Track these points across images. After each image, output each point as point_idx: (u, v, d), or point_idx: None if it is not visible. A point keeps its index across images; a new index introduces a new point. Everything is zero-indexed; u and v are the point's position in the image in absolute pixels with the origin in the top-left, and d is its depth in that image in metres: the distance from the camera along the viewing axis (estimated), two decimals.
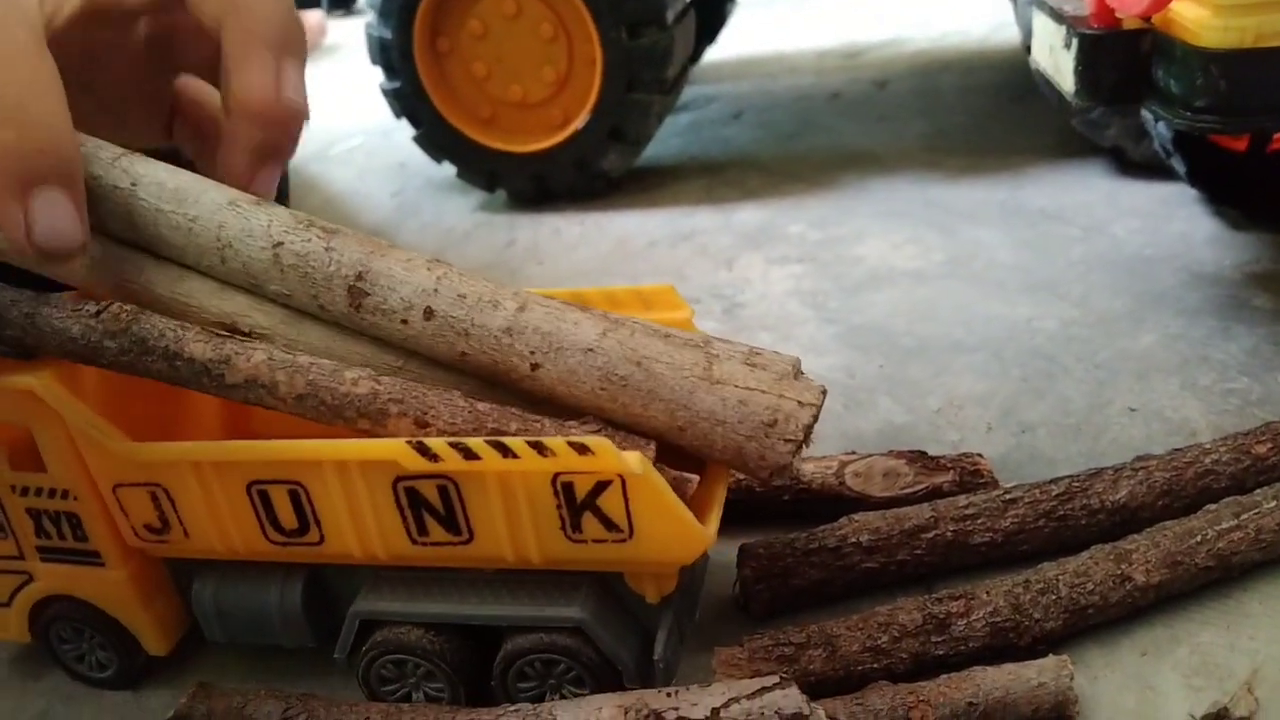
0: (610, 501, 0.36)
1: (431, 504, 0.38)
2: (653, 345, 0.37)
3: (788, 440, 0.36)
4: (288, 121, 0.39)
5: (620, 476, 0.35)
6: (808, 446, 0.37)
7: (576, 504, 0.37)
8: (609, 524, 0.37)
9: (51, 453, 0.42)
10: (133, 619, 0.45)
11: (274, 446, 0.39)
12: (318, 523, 0.40)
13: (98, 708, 0.47)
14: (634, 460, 0.35)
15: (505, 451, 0.35)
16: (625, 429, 0.37)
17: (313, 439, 0.39)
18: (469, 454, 0.36)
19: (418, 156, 1.11)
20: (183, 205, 0.39)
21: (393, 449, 0.36)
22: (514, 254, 0.96)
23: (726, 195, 1.04)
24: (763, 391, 0.36)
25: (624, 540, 0.37)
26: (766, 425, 0.36)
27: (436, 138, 1.06)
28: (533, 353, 0.36)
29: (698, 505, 0.38)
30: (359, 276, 0.38)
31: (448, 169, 1.09)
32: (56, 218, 0.35)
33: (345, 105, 1.56)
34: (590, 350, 0.36)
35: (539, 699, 0.40)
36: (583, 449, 0.35)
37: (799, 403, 0.36)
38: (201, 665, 0.48)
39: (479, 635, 0.41)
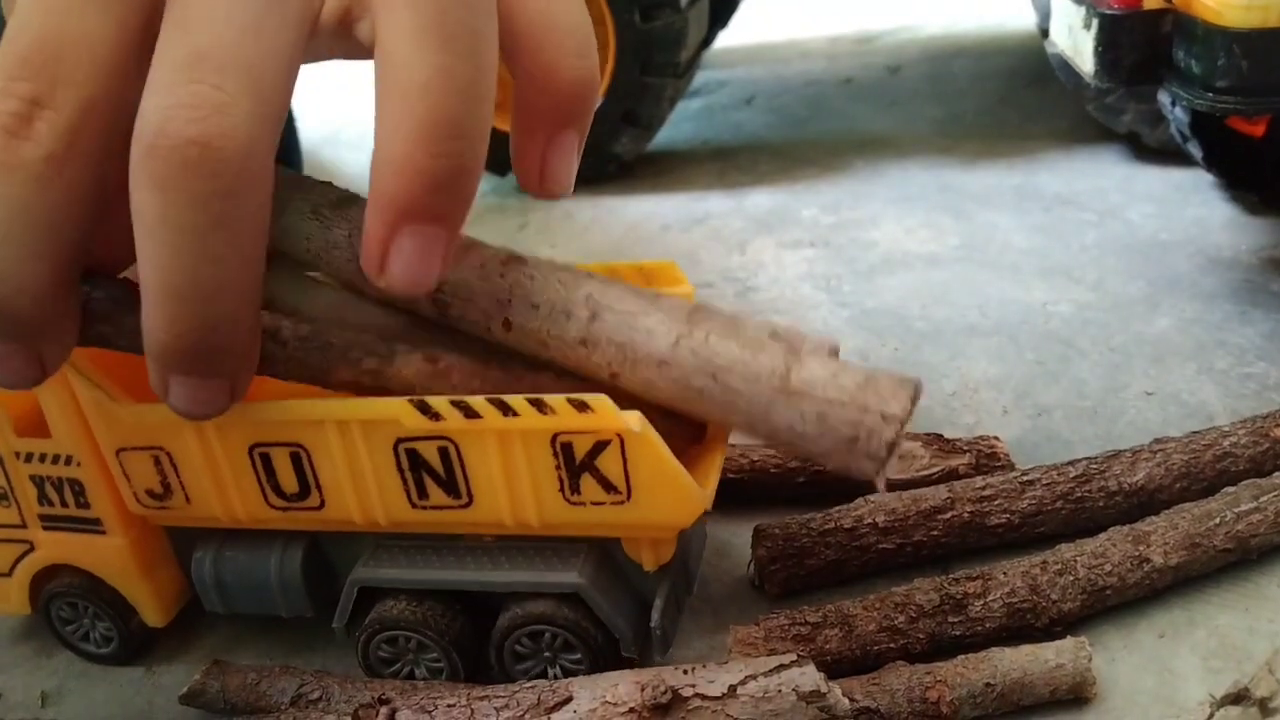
0: (609, 462, 0.36)
1: (432, 466, 0.38)
2: (729, 351, 0.35)
3: (870, 458, 0.33)
4: None
5: (619, 436, 0.35)
6: (894, 460, 0.35)
7: (575, 465, 0.36)
8: (607, 485, 0.37)
9: (56, 416, 0.42)
10: (132, 589, 0.45)
11: (276, 406, 0.39)
12: (319, 487, 0.40)
13: (111, 684, 0.47)
14: (633, 419, 0.35)
15: (506, 409, 0.35)
16: None
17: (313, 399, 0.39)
18: (470, 412, 0.36)
19: None
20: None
21: (394, 408, 0.36)
22: (526, 237, 0.95)
23: (739, 179, 1.03)
24: (843, 403, 0.33)
25: (622, 502, 0.37)
26: (848, 441, 0.33)
27: None
28: (609, 363, 0.36)
29: (696, 469, 0.38)
30: (439, 289, 0.37)
31: None
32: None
33: (357, 88, 1.55)
34: (664, 363, 0.35)
35: (537, 676, 0.40)
36: (582, 406, 0.35)
37: (882, 415, 0.33)
38: (213, 643, 0.48)
39: (476, 608, 0.41)
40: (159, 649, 0.48)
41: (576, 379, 0.37)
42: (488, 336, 0.37)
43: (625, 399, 0.36)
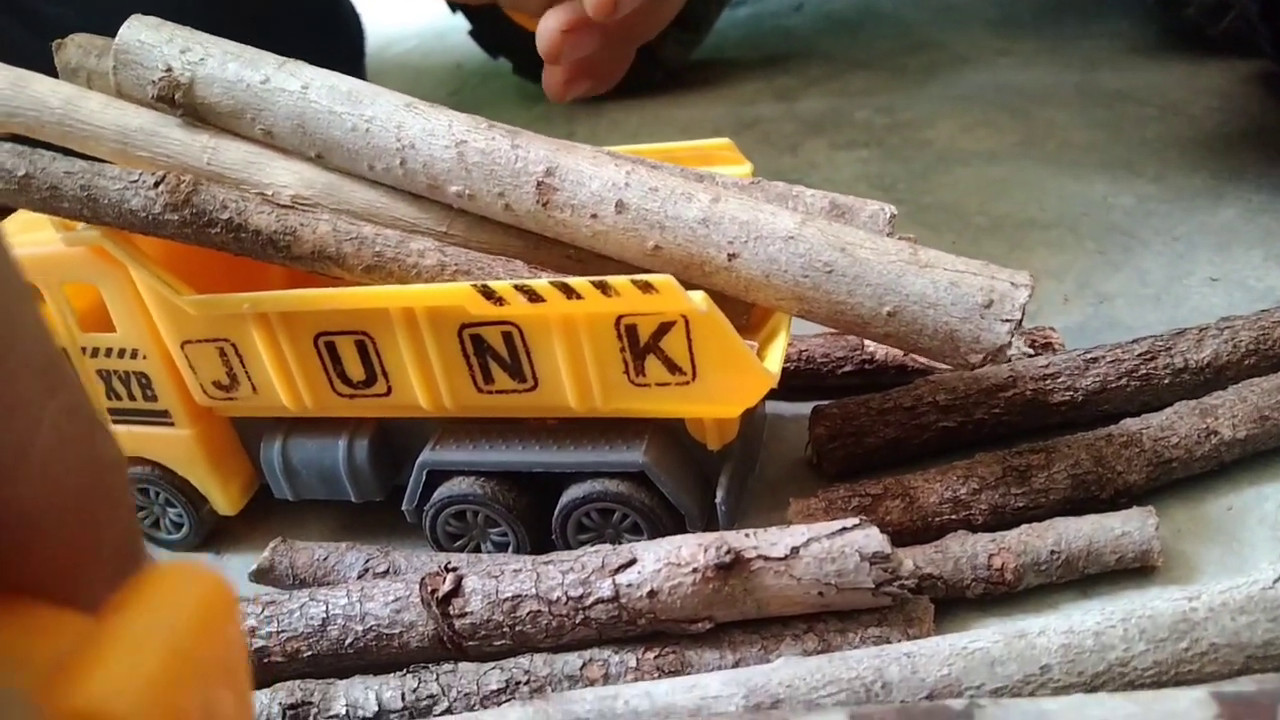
0: (673, 343, 0.36)
1: (496, 351, 0.38)
2: (853, 232, 0.36)
3: (1005, 320, 0.35)
4: None
5: (684, 317, 0.35)
6: (1021, 332, 0.36)
7: (640, 346, 0.37)
8: (672, 366, 0.37)
9: (119, 310, 0.43)
10: (203, 479, 0.46)
11: (340, 295, 0.39)
12: (385, 374, 0.41)
13: None
14: (699, 299, 0.34)
15: (569, 292, 0.35)
16: (825, 320, 0.37)
17: (378, 286, 0.39)
18: (533, 296, 0.36)
19: (474, 56, 1.10)
20: (358, 107, 0.39)
21: (458, 294, 0.37)
22: None
23: (789, 85, 1.01)
24: (973, 274, 0.35)
25: (687, 383, 0.37)
26: (982, 306, 0.35)
27: (492, 33, 1.04)
28: (730, 242, 0.36)
29: (760, 349, 0.38)
30: (547, 172, 0.37)
31: (504, 65, 1.07)
32: None
33: (398, 6, 1.54)
34: (791, 238, 0.35)
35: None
36: (647, 287, 0.34)
37: (1012, 283, 0.35)
38: (279, 526, 0.48)
39: (541, 487, 0.42)
40: (225, 534, 0.49)
41: None
42: (592, 224, 0.37)
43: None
